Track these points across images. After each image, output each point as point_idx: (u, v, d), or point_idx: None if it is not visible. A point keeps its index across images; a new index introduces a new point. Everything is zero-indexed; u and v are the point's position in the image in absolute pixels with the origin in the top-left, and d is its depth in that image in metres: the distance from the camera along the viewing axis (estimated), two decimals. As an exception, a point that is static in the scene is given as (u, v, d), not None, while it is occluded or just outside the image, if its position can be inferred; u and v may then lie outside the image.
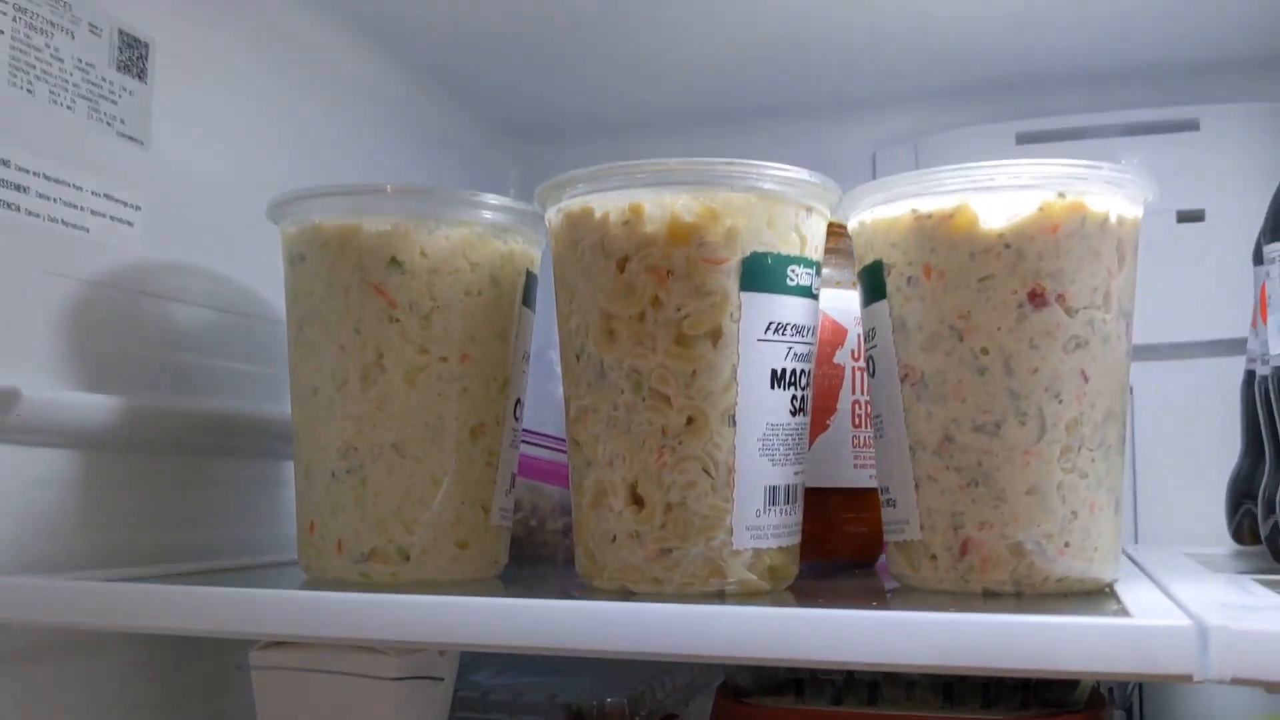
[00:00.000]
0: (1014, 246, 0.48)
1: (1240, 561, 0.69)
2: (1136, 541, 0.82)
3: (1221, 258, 0.76)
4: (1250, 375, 0.67)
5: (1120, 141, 0.82)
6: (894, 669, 0.51)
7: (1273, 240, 0.60)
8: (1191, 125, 0.81)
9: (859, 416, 0.62)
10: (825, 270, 0.61)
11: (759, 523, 0.49)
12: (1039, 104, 0.84)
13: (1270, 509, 0.62)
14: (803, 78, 0.86)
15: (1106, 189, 0.49)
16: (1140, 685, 0.80)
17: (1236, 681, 0.35)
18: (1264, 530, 0.64)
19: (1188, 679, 0.35)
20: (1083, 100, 0.83)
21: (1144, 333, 0.79)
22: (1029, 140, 0.83)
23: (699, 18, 0.76)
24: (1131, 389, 0.82)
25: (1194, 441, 0.79)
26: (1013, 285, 0.48)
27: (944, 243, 0.49)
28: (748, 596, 0.48)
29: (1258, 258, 0.62)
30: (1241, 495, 0.70)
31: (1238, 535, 0.71)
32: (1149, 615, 0.38)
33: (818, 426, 0.62)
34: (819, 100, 0.91)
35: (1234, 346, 0.72)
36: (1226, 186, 0.78)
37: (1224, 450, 0.72)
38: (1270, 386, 0.61)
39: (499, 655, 0.76)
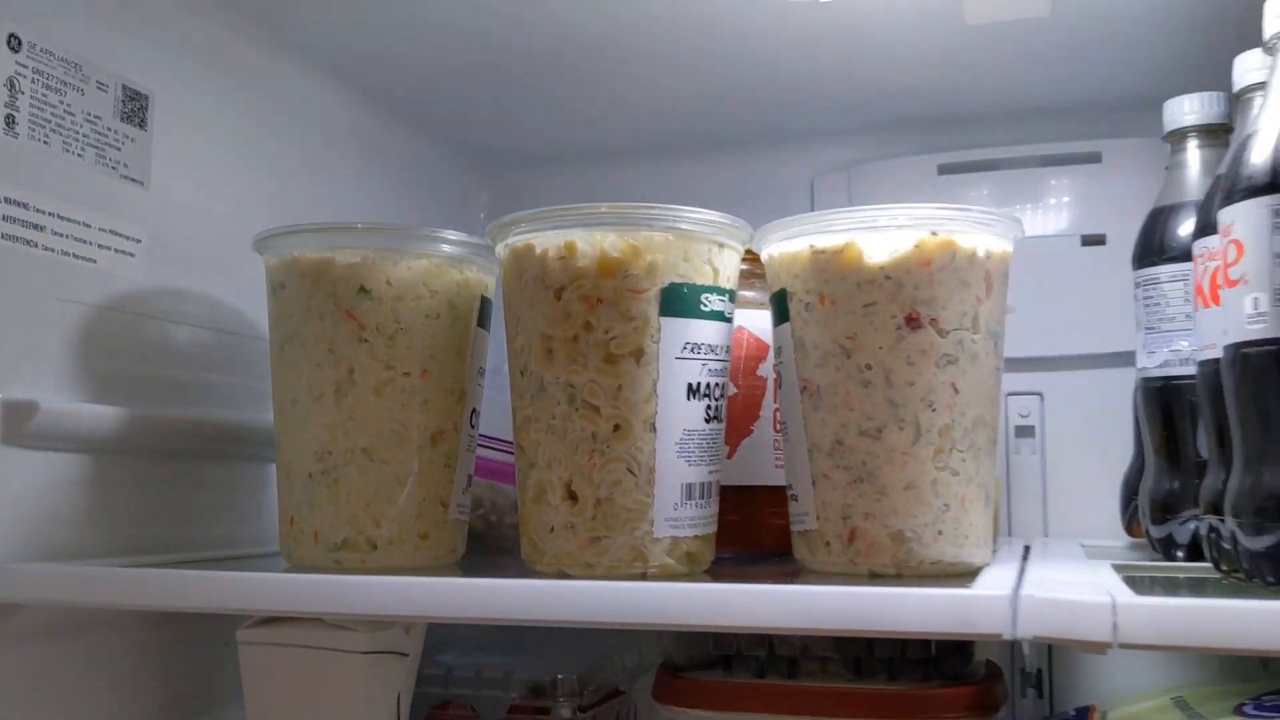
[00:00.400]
0: (893, 278, 0.55)
1: (1131, 552, 0.76)
2: (1046, 534, 0.89)
3: (1121, 278, 0.83)
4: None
5: (1031, 172, 0.89)
6: (768, 631, 0.58)
7: (1138, 267, 0.68)
8: (1094, 158, 0.89)
9: (779, 422, 0.69)
10: (751, 294, 0.69)
11: (677, 515, 0.56)
12: (959, 138, 0.91)
13: (1148, 506, 0.70)
14: (750, 113, 0.93)
15: (975, 228, 0.56)
16: (1050, 662, 0.88)
17: (1038, 639, 0.43)
18: (1144, 524, 0.71)
19: (997, 637, 0.42)
20: (998, 135, 0.90)
21: (1053, 345, 0.88)
22: (949, 171, 0.91)
23: (656, 59, 0.82)
24: (1042, 396, 0.90)
25: (1098, 444, 0.85)
26: (892, 311, 0.55)
27: (835, 274, 0.56)
28: (667, 578, 0.55)
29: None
30: (1132, 493, 0.78)
31: (1129, 529, 0.79)
32: (982, 588, 0.46)
33: (743, 431, 0.70)
34: (764, 133, 0.97)
35: (1132, 358, 0.79)
36: (1125, 213, 0.84)
37: (1125, 452, 0.79)
38: (1138, 397, 0.69)
39: (465, 638, 0.83)
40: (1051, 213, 0.89)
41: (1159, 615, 0.41)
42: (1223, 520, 0.52)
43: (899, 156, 0.93)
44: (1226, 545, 0.52)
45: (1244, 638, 0.40)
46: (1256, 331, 0.50)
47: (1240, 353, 0.51)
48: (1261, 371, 0.50)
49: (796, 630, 0.46)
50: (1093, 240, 0.88)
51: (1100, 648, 0.42)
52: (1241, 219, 0.51)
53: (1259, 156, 0.51)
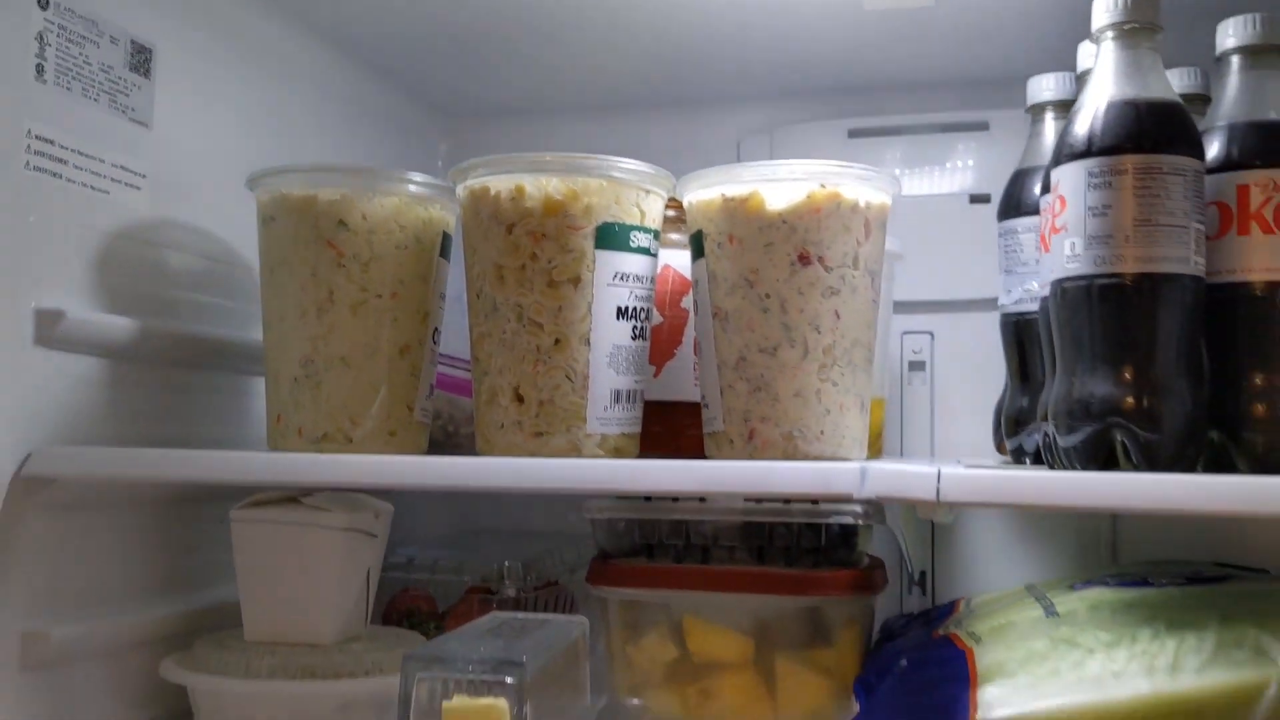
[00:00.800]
0: (789, 222, 0.66)
1: (1000, 468, 0.89)
2: (933, 455, 1.02)
3: (1003, 233, 0.96)
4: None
5: (929, 138, 1.01)
6: (675, 493, 0.70)
7: (1001, 219, 0.81)
8: (983, 126, 1.00)
9: (697, 345, 0.81)
10: (677, 236, 0.80)
11: (606, 415, 0.67)
12: (868, 105, 1.02)
13: (1005, 422, 0.82)
14: (684, 76, 1.03)
15: (857, 183, 0.67)
16: (933, 565, 1.01)
17: (880, 499, 0.55)
18: (1004, 437, 0.84)
19: (849, 497, 0.54)
20: (902, 104, 1.02)
21: (943, 290, 1.01)
22: (858, 135, 1.02)
23: (604, 25, 0.91)
24: (933, 335, 1.03)
25: (980, 377, 0.95)
26: (788, 250, 0.66)
27: (741, 219, 0.67)
28: (597, 467, 0.67)
29: (1004, 234, 0.83)
30: (1001, 417, 0.91)
31: (999, 448, 0.92)
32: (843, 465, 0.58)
33: (667, 355, 0.81)
34: (697, 95, 1.07)
35: (1011, 302, 0.91)
36: (1007, 175, 0.97)
37: (1002, 383, 0.92)
38: (999, 330, 0.81)
39: (425, 535, 0.95)
40: (948, 174, 1.01)
41: (970, 481, 0.54)
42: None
43: (814, 121, 1.04)
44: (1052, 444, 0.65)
45: (1030, 496, 0.52)
46: (1073, 270, 0.62)
47: (1061, 287, 0.63)
48: (1075, 302, 0.62)
49: (697, 491, 0.57)
50: (979, 199, 0.99)
51: (930, 507, 0.54)
52: (1066, 178, 0.63)
53: (1081, 127, 0.63)
